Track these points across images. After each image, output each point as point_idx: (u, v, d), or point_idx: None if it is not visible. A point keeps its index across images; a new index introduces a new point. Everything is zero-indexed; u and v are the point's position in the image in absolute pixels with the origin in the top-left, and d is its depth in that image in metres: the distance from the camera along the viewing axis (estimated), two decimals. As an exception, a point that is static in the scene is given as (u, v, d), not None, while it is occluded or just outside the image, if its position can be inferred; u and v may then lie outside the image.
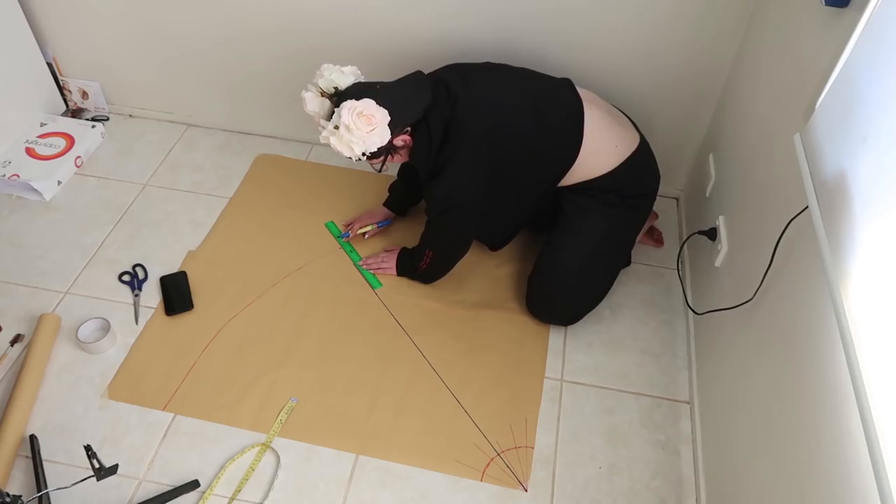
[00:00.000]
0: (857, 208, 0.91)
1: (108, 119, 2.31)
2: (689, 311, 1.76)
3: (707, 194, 1.77)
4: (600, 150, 1.61)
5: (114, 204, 2.05)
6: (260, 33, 1.97)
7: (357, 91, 1.48)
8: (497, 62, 1.66)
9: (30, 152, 2.12)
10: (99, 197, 2.07)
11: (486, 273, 1.89)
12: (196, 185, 2.12)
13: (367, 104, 1.44)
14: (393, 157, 1.59)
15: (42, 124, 2.20)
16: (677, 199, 2.12)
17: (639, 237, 1.90)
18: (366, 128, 1.44)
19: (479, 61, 1.66)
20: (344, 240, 1.94)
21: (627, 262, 1.91)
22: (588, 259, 1.68)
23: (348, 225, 1.97)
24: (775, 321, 1.20)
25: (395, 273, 1.86)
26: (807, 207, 1.08)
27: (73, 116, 2.30)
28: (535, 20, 1.76)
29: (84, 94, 2.29)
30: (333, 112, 1.48)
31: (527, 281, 1.78)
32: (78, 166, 2.15)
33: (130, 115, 2.33)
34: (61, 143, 2.15)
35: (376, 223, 1.95)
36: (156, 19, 2.01)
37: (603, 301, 1.80)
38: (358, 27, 1.89)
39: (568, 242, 1.68)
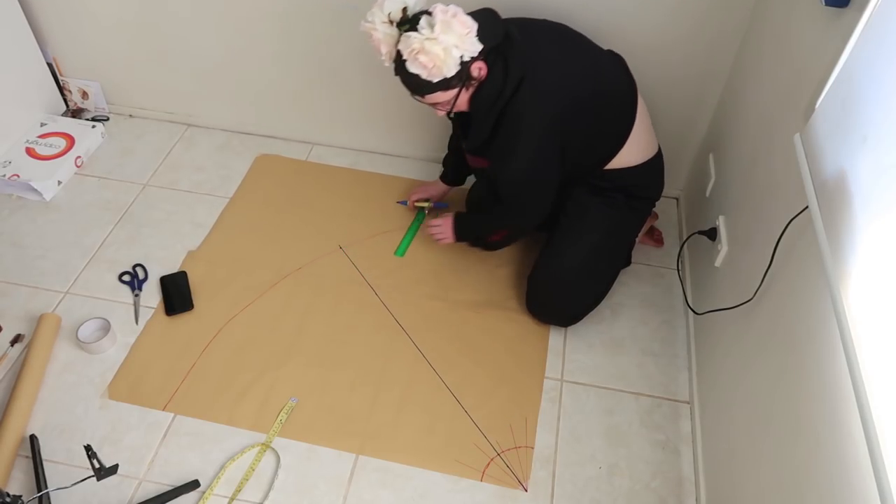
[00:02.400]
0: (857, 208, 0.91)
1: (108, 119, 2.31)
2: (689, 311, 1.76)
3: (707, 194, 1.77)
4: (639, 138, 1.59)
5: (114, 204, 2.05)
6: (260, 33, 1.97)
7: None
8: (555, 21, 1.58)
9: (30, 152, 2.12)
10: (99, 197, 2.07)
11: (486, 273, 1.89)
12: (196, 185, 2.12)
13: (457, 8, 1.36)
14: (467, 89, 1.46)
15: (42, 124, 2.20)
16: (677, 199, 2.12)
17: (639, 237, 1.90)
18: (462, 29, 1.35)
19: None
20: (402, 204, 2.02)
21: (627, 262, 1.90)
22: (588, 259, 1.68)
23: (410, 196, 2.01)
24: (775, 321, 1.20)
25: (452, 240, 1.82)
26: (807, 207, 1.07)
27: (74, 116, 2.30)
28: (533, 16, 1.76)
29: (84, 94, 2.29)
30: (411, 31, 1.37)
31: (527, 281, 1.78)
32: (78, 166, 2.15)
33: (130, 115, 2.33)
34: (61, 143, 2.15)
35: (434, 203, 2.00)
36: (156, 19, 2.01)
37: (603, 301, 1.80)
38: (357, 27, 1.89)
39: (568, 242, 1.68)
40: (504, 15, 1.48)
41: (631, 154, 1.59)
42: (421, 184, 2.07)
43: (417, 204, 2.00)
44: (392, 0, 1.39)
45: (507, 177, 1.57)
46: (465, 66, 1.40)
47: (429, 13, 1.37)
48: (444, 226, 1.81)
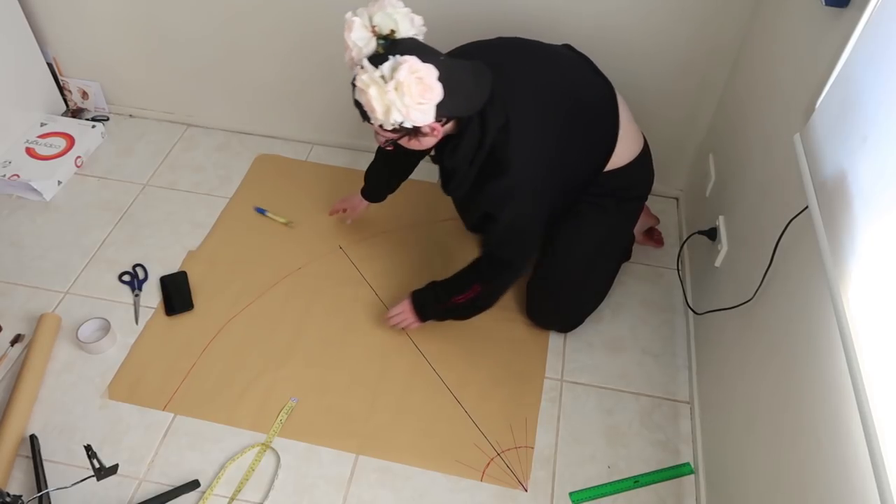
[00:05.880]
0: (857, 208, 0.91)
1: (108, 119, 2.31)
2: (689, 310, 1.76)
3: (707, 194, 1.77)
4: (626, 135, 1.54)
5: (114, 204, 2.05)
6: (260, 33, 1.97)
7: (419, 50, 1.24)
8: (512, 38, 1.51)
9: (30, 152, 2.12)
10: (99, 197, 2.07)
11: (486, 273, 1.89)
12: (196, 185, 2.12)
13: (430, 72, 1.20)
14: (411, 139, 1.35)
15: (42, 124, 2.20)
16: (677, 199, 2.12)
17: (638, 238, 1.91)
18: (418, 97, 1.20)
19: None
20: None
21: (627, 257, 1.90)
22: (585, 270, 1.67)
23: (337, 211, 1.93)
24: (775, 321, 1.20)
25: (419, 323, 1.67)
26: (807, 207, 1.07)
27: (74, 116, 2.30)
28: (533, 20, 1.76)
29: (84, 94, 2.29)
30: (378, 57, 1.24)
31: (526, 287, 1.77)
32: (78, 166, 2.15)
33: (130, 115, 2.33)
34: (61, 143, 2.15)
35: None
36: (156, 19, 2.01)
37: (603, 301, 1.80)
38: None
39: (564, 254, 1.65)
40: (482, 23, 1.42)
41: (621, 154, 1.56)
42: (344, 200, 1.92)
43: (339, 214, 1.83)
44: (384, 15, 1.25)
45: (499, 229, 1.47)
46: (404, 127, 1.27)
47: (400, 55, 1.22)
48: (403, 310, 1.66)
